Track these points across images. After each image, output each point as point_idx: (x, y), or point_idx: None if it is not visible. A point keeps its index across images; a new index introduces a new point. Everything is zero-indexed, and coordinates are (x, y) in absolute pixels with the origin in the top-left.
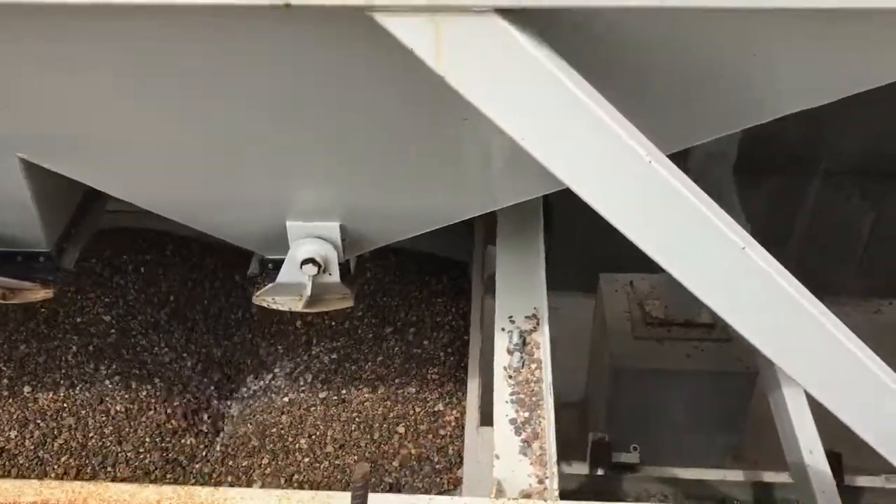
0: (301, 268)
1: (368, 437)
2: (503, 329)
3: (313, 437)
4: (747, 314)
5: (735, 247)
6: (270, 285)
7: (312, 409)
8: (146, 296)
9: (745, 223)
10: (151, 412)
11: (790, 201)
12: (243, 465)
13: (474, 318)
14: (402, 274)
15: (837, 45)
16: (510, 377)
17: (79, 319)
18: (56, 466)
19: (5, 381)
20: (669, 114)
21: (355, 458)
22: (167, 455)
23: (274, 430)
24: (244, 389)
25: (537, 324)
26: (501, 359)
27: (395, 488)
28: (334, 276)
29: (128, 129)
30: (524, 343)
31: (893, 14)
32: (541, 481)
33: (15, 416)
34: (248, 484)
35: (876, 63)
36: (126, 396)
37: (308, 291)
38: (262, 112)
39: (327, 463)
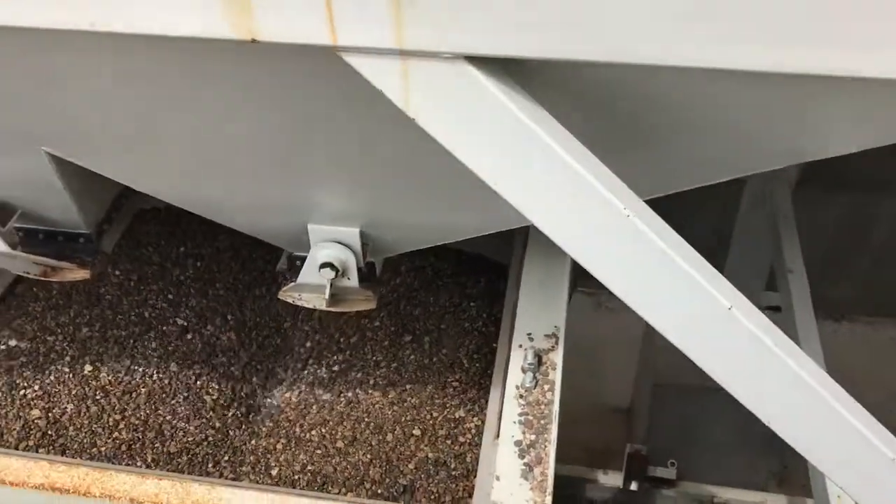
0: (319, 271)
1: (379, 437)
2: (520, 346)
3: (323, 431)
4: (736, 376)
5: (720, 306)
6: (293, 283)
7: (321, 407)
8: (200, 291)
9: (797, 251)
10: (202, 396)
11: (862, 220)
12: (262, 445)
13: (505, 324)
14: (436, 277)
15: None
16: (521, 396)
17: (139, 308)
18: (107, 440)
19: (67, 359)
20: (659, 158)
21: (368, 456)
22: (207, 434)
23: (283, 419)
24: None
25: (556, 343)
26: (514, 377)
27: (408, 491)
28: (353, 281)
29: (149, 135)
30: (540, 362)
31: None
32: None
33: (74, 392)
34: (266, 467)
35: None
36: (181, 382)
37: (327, 294)
38: (272, 131)
39: (338, 458)
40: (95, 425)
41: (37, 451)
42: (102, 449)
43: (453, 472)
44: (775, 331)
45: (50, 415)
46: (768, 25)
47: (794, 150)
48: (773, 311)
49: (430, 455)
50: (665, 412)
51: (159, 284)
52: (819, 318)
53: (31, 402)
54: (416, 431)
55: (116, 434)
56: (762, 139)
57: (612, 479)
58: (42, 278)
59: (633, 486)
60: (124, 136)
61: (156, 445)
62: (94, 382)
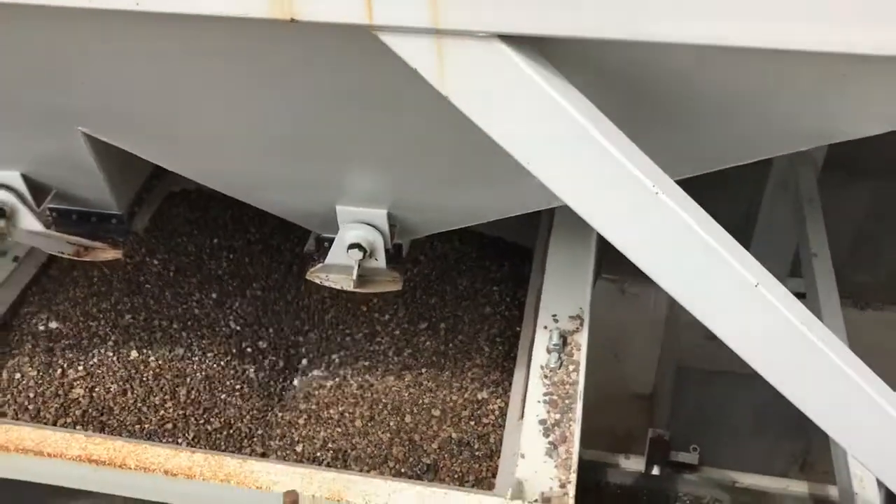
0: (347, 252)
1: (409, 416)
2: (545, 327)
3: (342, 409)
4: (761, 352)
5: (747, 283)
6: (321, 264)
7: (345, 390)
8: (232, 282)
9: (822, 235)
10: (232, 378)
11: (889, 206)
12: (288, 426)
13: (529, 307)
14: (459, 261)
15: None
16: (546, 377)
17: (179, 298)
18: (153, 419)
19: (110, 343)
20: (687, 138)
21: (388, 434)
22: (241, 415)
23: (309, 402)
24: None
25: (580, 324)
26: (539, 357)
27: (431, 469)
28: (380, 262)
29: (182, 116)
30: (564, 343)
31: None
32: (563, 486)
33: (118, 375)
34: (292, 441)
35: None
36: (212, 366)
37: (354, 275)
38: (304, 110)
39: (358, 438)
40: (141, 404)
41: (74, 428)
42: (146, 426)
43: (476, 453)
44: (801, 308)
45: (94, 394)
46: (801, 3)
47: (825, 130)
48: (799, 297)
49: (453, 435)
50: (687, 397)
51: (197, 276)
52: (844, 304)
53: (74, 382)
54: (438, 413)
55: (156, 414)
56: (792, 119)
57: (634, 464)
58: (75, 258)
59: (655, 471)
60: (158, 116)
61: (199, 424)
62: (140, 366)
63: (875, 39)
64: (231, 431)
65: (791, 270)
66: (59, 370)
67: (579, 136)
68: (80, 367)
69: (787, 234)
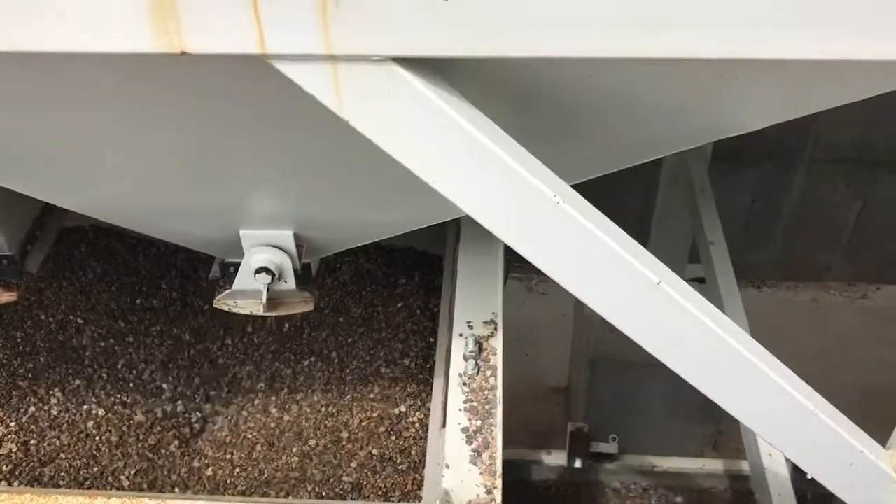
0: (255, 276)
1: (317, 439)
2: (460, 335)
3: (260, 438)
4: (668, 346)
5: (649, 282)
6: (228, 291)
7: (256, 419)
8: (133, 314)
9: (717, 223)
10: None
11: (776, 189)
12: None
13: (443, 315)
14: (367, 276)
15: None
16: (465, 384)
17: (78, 342)
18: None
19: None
20: (583, 145)
21: (309, 460)
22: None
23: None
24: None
25: (495, 329)
26: (457, 365)
27: (355, 489)
28: (290, 284)
29: (67, 151)
30: (480, 349)
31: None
32: (489, 492)
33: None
34: (203, 473)
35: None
36: (116, 406)
37: (264, 299)
38: (197, 138)
39: (275, 462)
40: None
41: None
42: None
43: (400, 467)
44: (701, 300)
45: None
46: (680, 12)
47: (712, 127)
48: (699, 283)
49: (373, 452)
50: (602, 389)
51: (97, 315)
52: (741, 286)
53: None
54: (357, 430)
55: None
56: (681, 120)
57: (556, 459)
58: None
59: (578, 464)
60: (40, 153)
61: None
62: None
63: (749, 44)
64: (148, 470)
65: (691, 256)
66: None
67: (480, 153)
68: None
69: (683, 224)
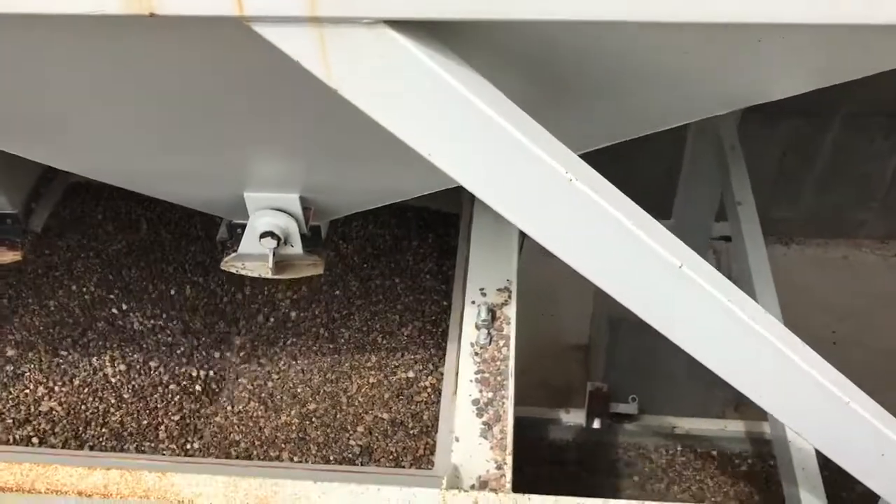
0: (260, 241)
1: (333, 400)
2: (473, 302)
3: (267, 400)
4: (692, 334)
5: (671, 266)
6: (234, 253)
7: (266, 378)
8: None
9: (745, 182)
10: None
11: (809, 143)
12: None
13: (458, 280)
14: (383, 234)
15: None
16: (476, 354)
17: (86, 303)
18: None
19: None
20: (603, 111)
21: (316, 424)
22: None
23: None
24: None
25: (509, 297)
26: (469, 334)
27: (364, 452)
28: (296, 248)
29: (62, 115)
30: (493, 318)
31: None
32: (499, 467)
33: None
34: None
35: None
36: (131, 367)
37: (271, 263)
38: (196, 102)
39: (282, 424)
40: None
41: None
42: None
43: (411, 431)
44: (727, 285)
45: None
46: None
47: (745, 94)
48: (725, 241)
49: (384, 416)
50: (622, 348)
51: (103, 273)
52: (769, 242)
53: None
54: (368, 395)
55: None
56: (711, 86)
57: (574, 418)
58: None
59: (596, 424)
60: (34, 117)
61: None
62: (61, 376)
63: (795, 8)
64: (160, 431)
65: (717, 215)
66: None
67: (483, 125)
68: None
69: (711, 181)
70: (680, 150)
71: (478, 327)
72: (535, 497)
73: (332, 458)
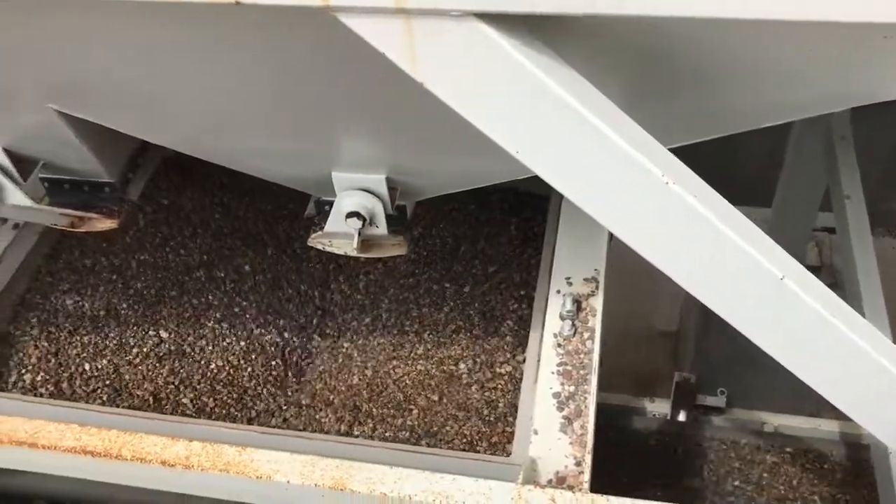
0: (346, 221)
1: (407, 382)
2: (558, 292)
3: (353, 378)
4: (795, 354)
5: (772, 277)
6: (321, 231)
7: (349, 357)
8: (238, 247)
9: (855, 174)
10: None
11: None
12: (302, 388)
13: (544, 268)
14: (467, 216)
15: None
16: (559, 346)
17: (182, 270)
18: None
19: (132, 319)
20: (703, 106)
21: (396, 398)
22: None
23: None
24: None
25: (596, 287)
26: (552, 325)
27: (433, 434)
28: (381, 229)
29: (159, 93)
30: (579, 309)
31: None
32: (578, 463)
33: (138, 352)
34: (306, 413)
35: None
36: (227, 339)
37: (356, 243)
38: (288, 84)
39: (368, 400)
40: (164, 380)
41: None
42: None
43: (487, 418)
44: (831, 297)
45: (120, 371)
46: None
47: (857, 93)
48: (829, 233)
49: (463, 401)
50: (713, 337)
51: (200, 243)
52: (876, 234)
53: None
54: (446, 378)
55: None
56: (823, 85)
57: (659, 407)
58: (70, 229)
59: (681, 416)
60: (132, 93)
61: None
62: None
63: None
64: (250, 403)
65: (823, 205)
66: (78, 347)
67: (576, 126)
68: (101, 345)
69: (816, 171)
70: (785, 135)
71: (562, 318)
72: (613, 498)
73: (410, 437)
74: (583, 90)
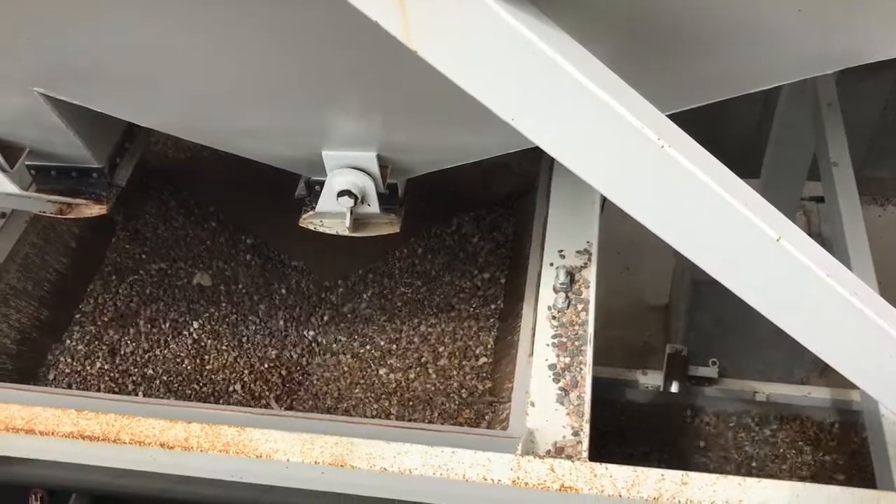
0: (337, 200)
1: (405, 363)
2: (551, 264)
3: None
4: (792, 315)
5: (768, 239)
6: (313, 211)
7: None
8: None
9: (842, 141)
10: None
11: None
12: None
13: (536, 240)
14: (459, 193)
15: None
16: (553, 318)
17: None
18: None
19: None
20: (694, 69)
21: (384, 392)
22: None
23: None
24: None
25: (588, 259)
26: (546, 297)
27: (433, 409)
28: (373, 208)
29: (145, 71)
30: (572, 281)
31: None
32: (575, 433)
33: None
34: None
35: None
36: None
37: (348, 222)
38: (275, 59)
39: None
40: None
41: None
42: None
43: (487, 397)
44: (827, 259)
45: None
46: None
47: (850, 53)
48: (818, 202)
49: (460, 380)
50: (703, 309)
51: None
52: (863, 202)
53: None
54: (443, 358)
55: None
56: (815, 46)
57: (651, 380)
58: (58, 216)
59: (674, 388)
60: (120, 73)
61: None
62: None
63: None
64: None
65: (810, 174)
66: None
67: (570, 88)
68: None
69: (804, 139)
70: (772, 107)
71: (556, 290)
72: (612, 466)
73: (414, 416)
74: (575, 52)
